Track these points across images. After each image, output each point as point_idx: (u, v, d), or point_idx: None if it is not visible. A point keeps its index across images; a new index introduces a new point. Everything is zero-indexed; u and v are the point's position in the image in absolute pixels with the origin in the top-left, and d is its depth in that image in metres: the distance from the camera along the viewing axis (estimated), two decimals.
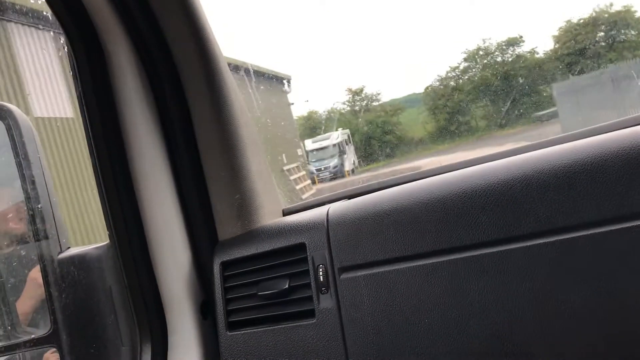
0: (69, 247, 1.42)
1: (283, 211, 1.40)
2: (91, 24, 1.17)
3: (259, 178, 1.30)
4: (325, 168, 16.19)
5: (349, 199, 1.22)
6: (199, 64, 1.21)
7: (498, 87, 17.53)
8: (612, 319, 0.84)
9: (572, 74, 16.80)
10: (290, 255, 1.16)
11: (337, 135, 15.88)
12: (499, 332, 0.92)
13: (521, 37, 16.18)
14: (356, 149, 16.77)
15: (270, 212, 1.33)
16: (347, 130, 16.85)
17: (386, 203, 1.05)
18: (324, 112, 17.68)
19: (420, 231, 0.99)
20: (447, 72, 17.86)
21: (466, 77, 17.61)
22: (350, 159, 16.36)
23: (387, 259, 1.02)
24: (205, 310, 1.26)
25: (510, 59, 17.66)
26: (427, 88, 17.49)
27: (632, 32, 16.37)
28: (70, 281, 1.34)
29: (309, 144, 16.54)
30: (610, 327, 0.84)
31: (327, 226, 1.10)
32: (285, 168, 11.09)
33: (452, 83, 17.59)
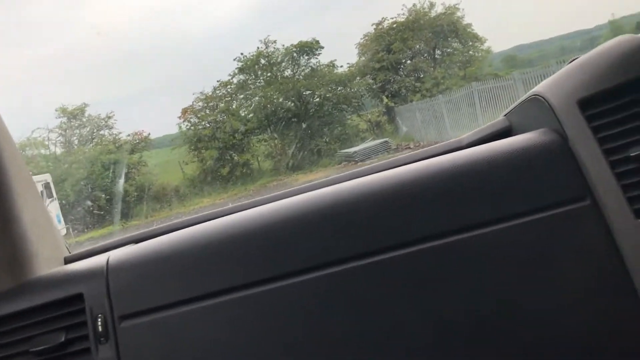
0: None
1: (65, 259, 1.40)
2: None
3: (34, 226, 1.31)
4: None
5: (136, 243, 1.29)
6: None
7: (288, 113, 13.56)
8: (369, 344, 1.01)
9: (387, 97, 13.65)
10: (67, 306, 1.16)
11: None
12: None
13: (317, 41, 10.99)
14: (64, 207, 11.21)
15: (48, 261, 1.33)
16: (47, 176, 11.30)
17: (169, 247, 1.13)
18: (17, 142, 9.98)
19: (201, 273, 1.09)
20: (216, 89, 13.53)
21: (242, 96, 13.38)
22: None
23: (168, 303, 1.08)
24: None
25: (303, 73, 13.85)
26: (184, 111, 11.08)
27: (457, 44, 13.94)
28: None
29: None
30: (367, 353, 1.01)
31: (106, 274, 1.14)
32: None
33: (221, 105, 13.11)
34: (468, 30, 13.45)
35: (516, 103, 1.21)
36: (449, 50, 13.77)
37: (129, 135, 12.79)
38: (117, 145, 12.50)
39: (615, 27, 10.92)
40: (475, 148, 1.11)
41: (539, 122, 1.08)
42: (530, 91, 1.14)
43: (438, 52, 13.78)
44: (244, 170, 12.59)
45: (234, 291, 1.05)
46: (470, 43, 13.51)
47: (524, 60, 12.68)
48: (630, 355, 0.94)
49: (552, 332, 0.97)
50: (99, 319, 1.09)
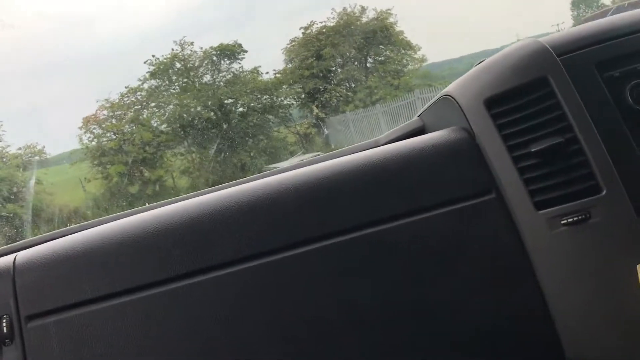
0: None
1: None
2: None
3: None
4: None
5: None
6: None
7: (208, 123, 12.35)
8: (290, 335, 1.05)
9: (317, 106, 12.71)
10: None
11: None
12: None
13: (239, 45, 10.29)
14: None
15: None
16: None
17: (81, 244, 1.14)
18: None
19: (113, 270, 1.10)
20: (123, 96, 12.04)
21: (154, 104, 12.07)
22: None
23: (78, 302, 1.08)
24: None
25: (224, 79, 12.63)
26: (86, 121, 9.97)
27: (390, 52, 13.15)
28: None
29: None
30: (288, 345, 1.05)
31: (12, 274, 1.14)
32: None
33: (130, 113, 11.78)
34: (401, 37, 13.06)
35: (429, 103, 1.30)
36: (381, 58, 13.41)
37: (19, 148, 11.72)
38: (4, 160, 11.28)
39: None
40: (389, 145, 1.20)
41: (449, 120, 1.16)
42: (441, 92, 1.23)
43: (370, 60, 13.66)
44: (157, 188, 11.71)
45: (150, 287, 1.05)
46: (403, 51, 13.27)
47: (437, 77, 13.84)
48: (529, 337, 1.02)
49: (460, 318, 1.03)
50: (4, 320, 1.06)
